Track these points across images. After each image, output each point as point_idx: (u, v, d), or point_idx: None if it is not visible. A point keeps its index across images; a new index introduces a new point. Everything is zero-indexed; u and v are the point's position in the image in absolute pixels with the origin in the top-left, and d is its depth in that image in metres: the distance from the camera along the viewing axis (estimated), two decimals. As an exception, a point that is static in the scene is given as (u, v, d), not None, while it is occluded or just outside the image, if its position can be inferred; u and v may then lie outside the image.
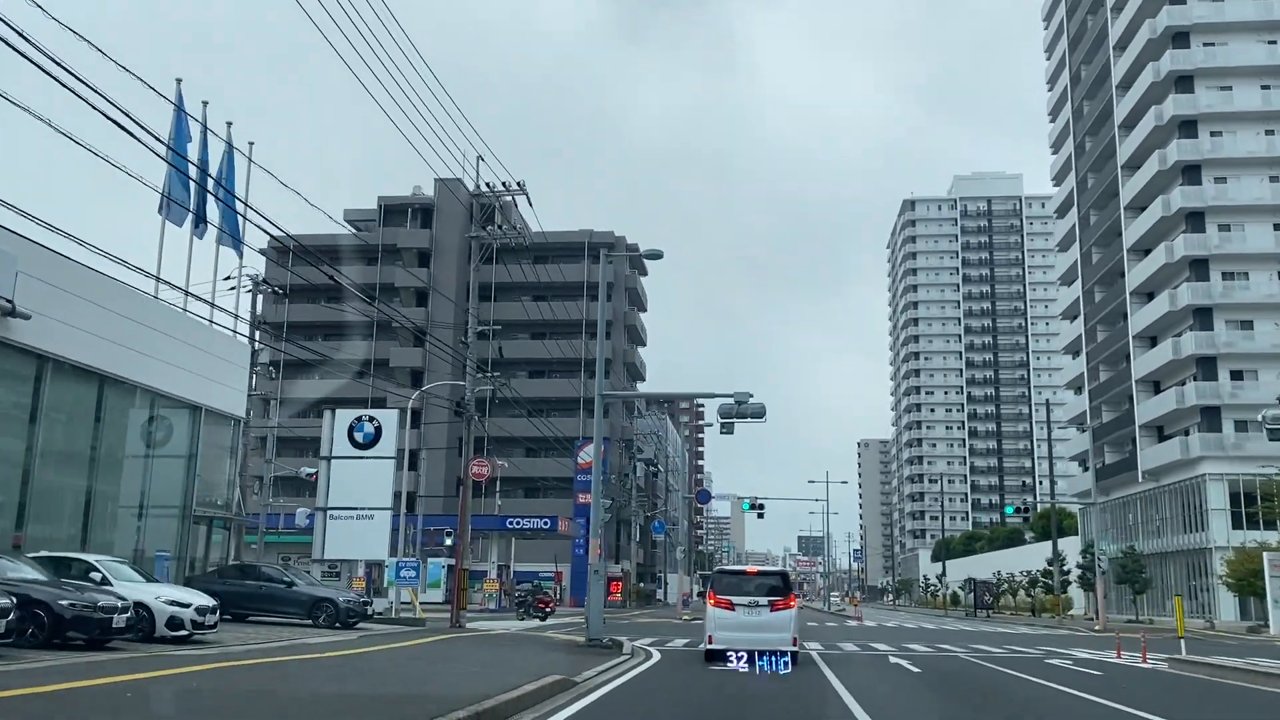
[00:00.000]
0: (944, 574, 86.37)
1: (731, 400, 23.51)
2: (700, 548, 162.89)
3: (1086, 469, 71.64)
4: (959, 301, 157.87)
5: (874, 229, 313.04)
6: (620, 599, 64.10)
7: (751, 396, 23.31)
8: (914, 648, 25.42)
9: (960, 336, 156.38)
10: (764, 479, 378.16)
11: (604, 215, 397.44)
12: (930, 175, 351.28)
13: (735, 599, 17.64)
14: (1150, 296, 61.78)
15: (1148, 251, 62.02)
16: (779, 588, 18.03)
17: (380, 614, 28.74)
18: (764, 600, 17.50)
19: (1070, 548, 64.69)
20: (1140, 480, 60.91)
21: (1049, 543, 75.72)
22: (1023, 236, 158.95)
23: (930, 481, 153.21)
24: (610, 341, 71.78)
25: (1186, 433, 56.69)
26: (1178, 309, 57.23)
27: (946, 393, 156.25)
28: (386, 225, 73.64)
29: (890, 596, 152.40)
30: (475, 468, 25.22)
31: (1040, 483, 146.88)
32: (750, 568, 19.60)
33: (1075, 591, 66.56)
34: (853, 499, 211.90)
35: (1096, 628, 43.85)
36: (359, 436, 27.23)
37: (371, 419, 27.36)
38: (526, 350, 71.01)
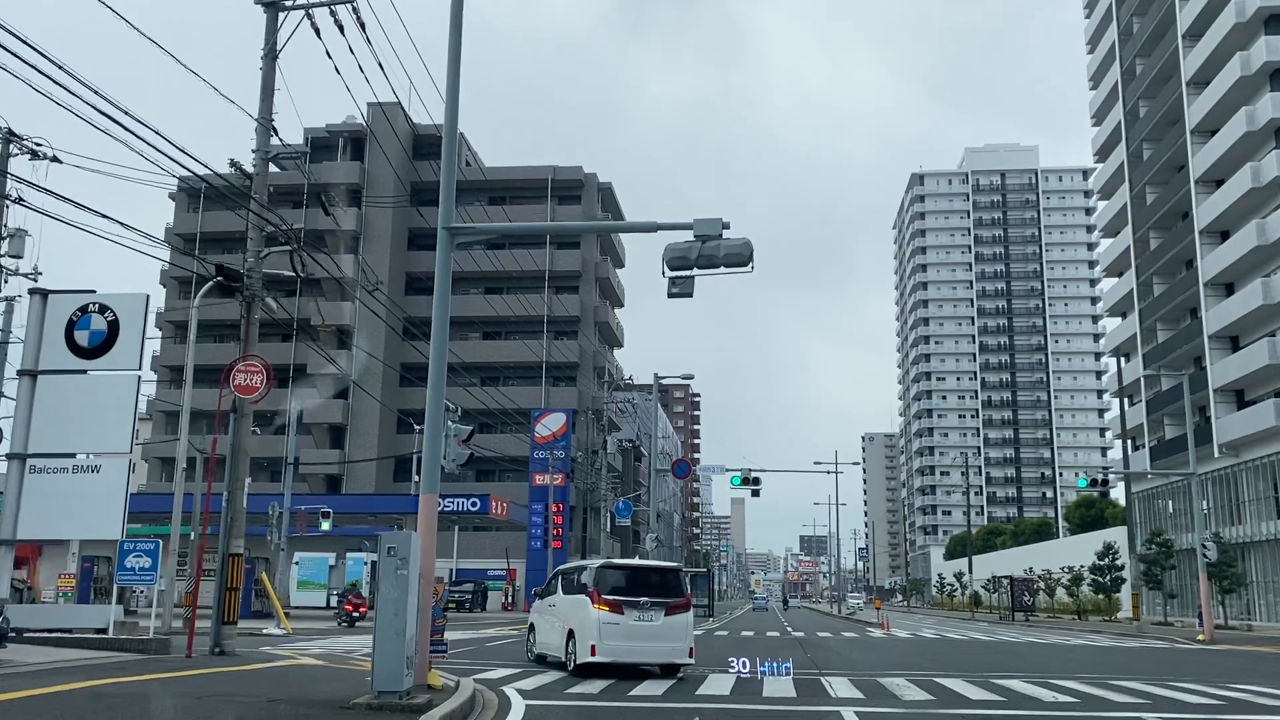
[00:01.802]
0: (969, 571, 75.53)
1: (692, 238, 12.72)
2: (695, 545, 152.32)
3: (1139, 447, 60.85)
4: (971, 282, 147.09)
5: (879, 222, 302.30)
6: (587, 601, 53.32)
7: (727, 229, 12.56)
8: (1020, 688, 14.60)
9: (973, 320, 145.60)
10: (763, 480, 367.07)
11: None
12: (940, 161, 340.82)
13: (626, 601, 14.67)
14: (1225, 236, 51.05)
15: (1219, 183, 51.31)
16: (675, 587, 15.51)
17: (68, 633, 17.65)
18: (659, 603, 14.88)
19: (1118, 538, 54.06)
20: (1217, 455, 50.09)
21: (1091, 535, 65.39)
22: (1039, 212, 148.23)
23: (942, 474, 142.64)
24: (579, 296, 61.08)
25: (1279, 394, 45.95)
26: (1269, 242, 46.43)
27: (959, 379, 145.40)
28: (317, 164, 62.89)
29: (899, 597, 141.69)
30: (241, 375, 14.23)
31: (1060, 474, 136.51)
32: (643, 562, 17.37)
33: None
34: (856, 496, 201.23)
35: (1201, 637, 33.04)
36: (82, 338, 16.49)
37: (104, 309, 16.59)
38: (479, 307, 60.32)
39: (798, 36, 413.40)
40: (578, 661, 14.65)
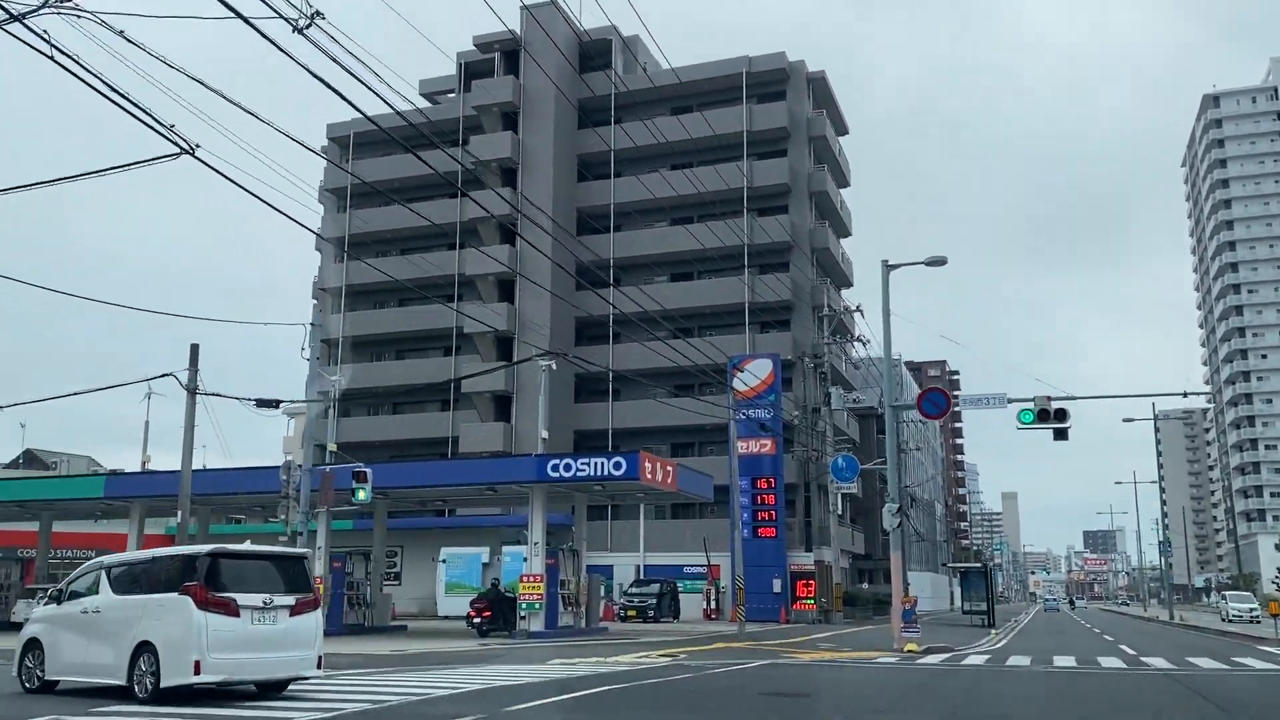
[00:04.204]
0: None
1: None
2: (965, 543, 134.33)
3: None
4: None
5: (1156, 181, 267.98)
6: (816, 606, 40.23)
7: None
8: None
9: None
10: (1034, 480, 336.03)
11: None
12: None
13: (241, 598, 11.66)
14: None
15: None
16: (300, 580, 12.48)
17: None
18: (283, 601, 12.04)
19: None
20: None
21: None
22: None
23: (1267, 448, 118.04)
24: (789, 218, 47.98)
25: None
26: None
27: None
28: (471, 93, 53.19)
29: (1210, 597, 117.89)
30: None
31: None
32: (258, 549, 13.06)
33: None
34: (1146, 489, 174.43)
35: None
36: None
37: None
38: (663, 241, 48.46)
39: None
40: (166, 684, 11.15)
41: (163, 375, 22.11)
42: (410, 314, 52.51)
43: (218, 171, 11.24)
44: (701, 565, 41.84)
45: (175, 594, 11.59)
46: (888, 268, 26.62)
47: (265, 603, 11.84)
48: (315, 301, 55.68)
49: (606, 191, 49.43)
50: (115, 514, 35.34)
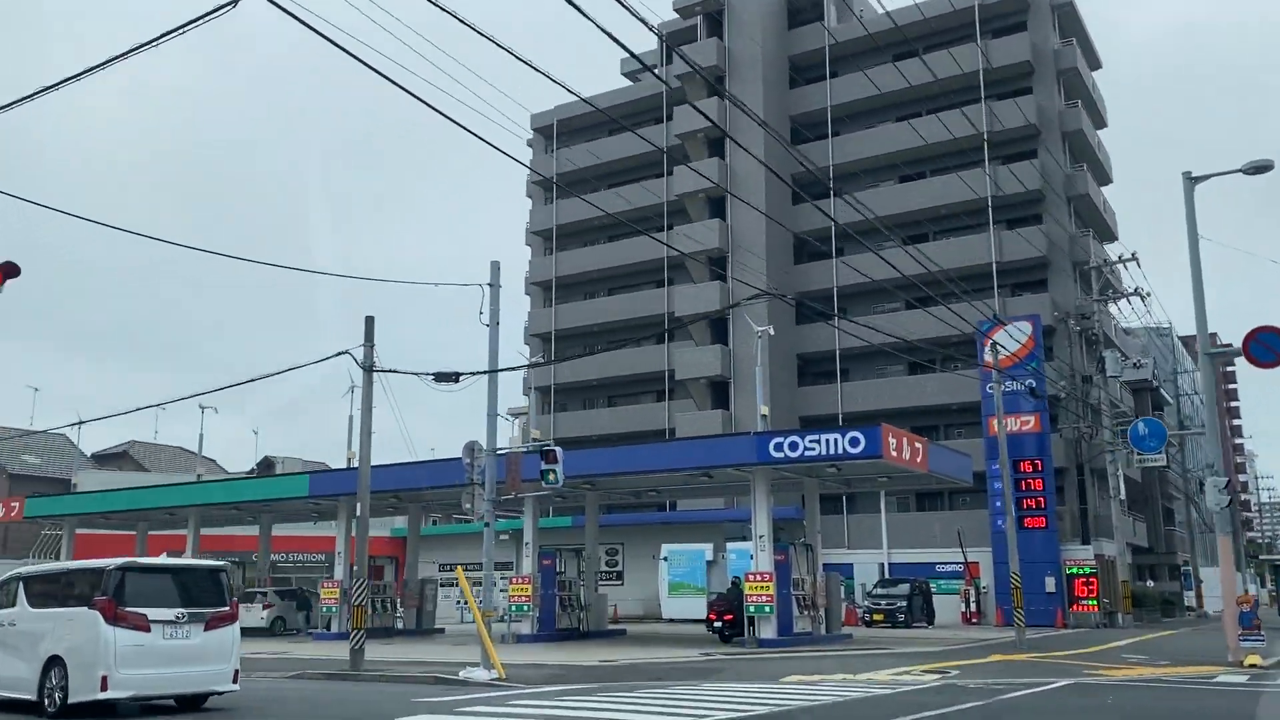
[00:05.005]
0: None
1: None
2: (1251, 535, 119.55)
3: None
4: None
5: None
6: (1098, 607, 34.20)
7: None
8: None
9: None
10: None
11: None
12: None
13: (153, 612, 11.69)
14: None
15: None
16: (216, 593, 12.49)
17: None
18: (197, 614, 12.09)
19: None
20: None
21: None
22: None
23: None
24: (1039, 161, 41.87)
25: None
26: None
27: None
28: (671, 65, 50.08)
29: None
30: None
31: None
32: (173, 561, 13.91)
33: None
34: None
35: None
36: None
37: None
38: (894, 200, 43.45)
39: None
40: (74, 699, 11.32)
41: (338, 354, 19.78)
42: (618, 303, 49.89)
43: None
44: (955, 562, 36.72)
45: (85, 608, 11.66)
46: (1191, 180, 21.09)
47: (178, 617, 11.87)
48: (528, 296, 54.09)
49: (825, 152, 44.86)
50: (327, 514, 34.19)
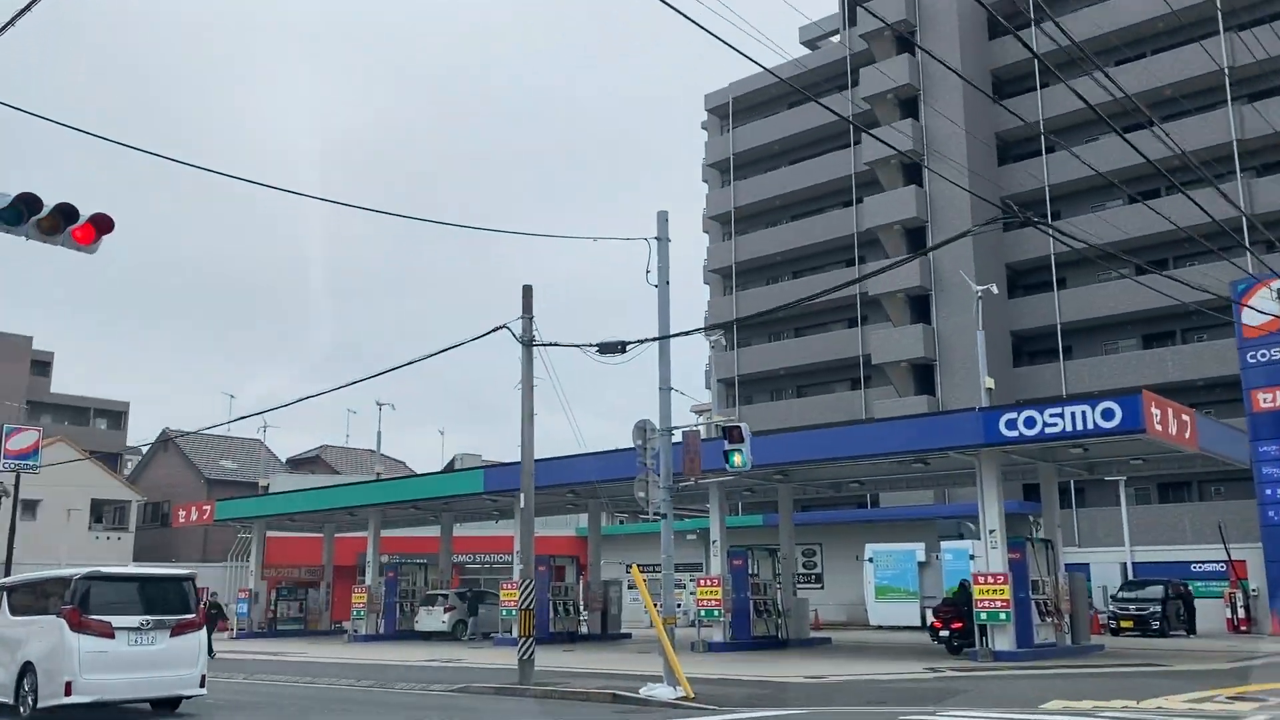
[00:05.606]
0: None
1: None
2: None
3: None
4: None
5: None
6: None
7: None
8: None
9: None
10: None
11: None
12: None
13: (117, 621, 12.08)
14: None
15: None
16: (180, 600, 12.87)
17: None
18: (162, 621, 12.40)
19: None
20: None
21: None
22: None
23: None
24: (1293, 98, 35.96)
25: None
26: None
27: None
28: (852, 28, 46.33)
29: None
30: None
31: None
32: (138, 570, 14.54)
33: None
34: None
35: None
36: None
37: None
38: (1115, 155, 38.39)
39: None
40: (42, 704, 11.80)
41: (495, 329, 17.66)
42: (804, 285, 46.59)
43: None
44: (1216, 561, 31.60)
45: (53, 616, 12.11)
46: None
47: (143, 624, 12.22)
48: (707, 286, 51.49)
49: (1034, 107, 40.23)
50: (505, 511, 32.50)
